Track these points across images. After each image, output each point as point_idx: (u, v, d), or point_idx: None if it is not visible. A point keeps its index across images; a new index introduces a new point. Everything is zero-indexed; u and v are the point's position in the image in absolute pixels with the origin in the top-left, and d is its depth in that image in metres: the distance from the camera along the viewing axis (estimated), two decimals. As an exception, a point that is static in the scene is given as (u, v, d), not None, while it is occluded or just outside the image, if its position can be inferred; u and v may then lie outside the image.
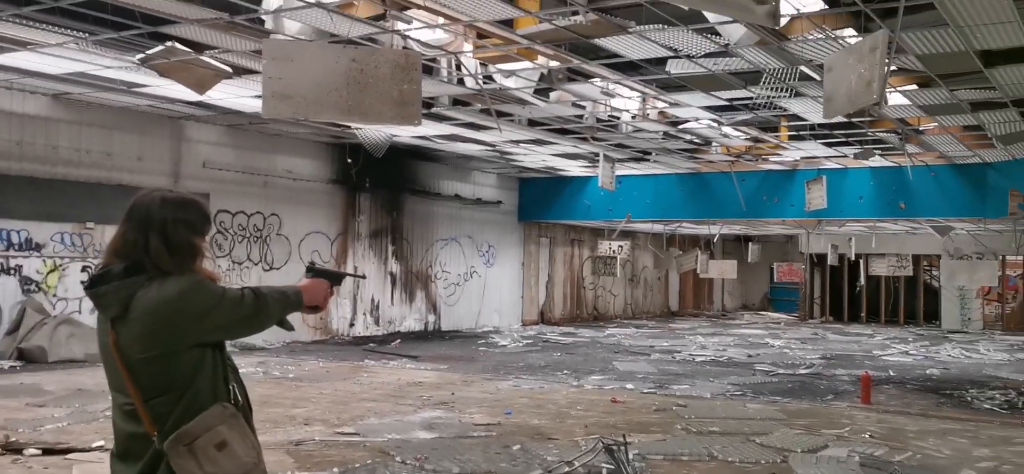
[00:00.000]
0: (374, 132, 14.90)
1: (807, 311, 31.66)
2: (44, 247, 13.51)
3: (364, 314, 19.34)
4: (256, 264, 16.83)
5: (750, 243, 29.50)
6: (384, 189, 19.47)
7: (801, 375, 14.36)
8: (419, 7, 8.73)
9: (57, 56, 10.66)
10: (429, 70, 11.07)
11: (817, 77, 10.71)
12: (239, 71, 10.59)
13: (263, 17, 8.96)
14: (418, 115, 5.95)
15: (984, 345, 21.26)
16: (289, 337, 17.19)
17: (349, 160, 18.00)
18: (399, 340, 18.55)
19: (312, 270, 3.13)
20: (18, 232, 13.19)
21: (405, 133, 15.96)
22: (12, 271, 13.14)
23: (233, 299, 2.72)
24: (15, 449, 7.34)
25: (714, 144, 17.04)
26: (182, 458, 2.55)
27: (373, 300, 19.55)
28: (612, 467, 6.75)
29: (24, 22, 9.14)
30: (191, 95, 12.14)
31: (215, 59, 9.74)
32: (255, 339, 16.32)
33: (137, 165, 14.70)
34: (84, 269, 14.02)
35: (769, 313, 33.69)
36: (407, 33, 9.57)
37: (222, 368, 2.76)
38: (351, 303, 19.00)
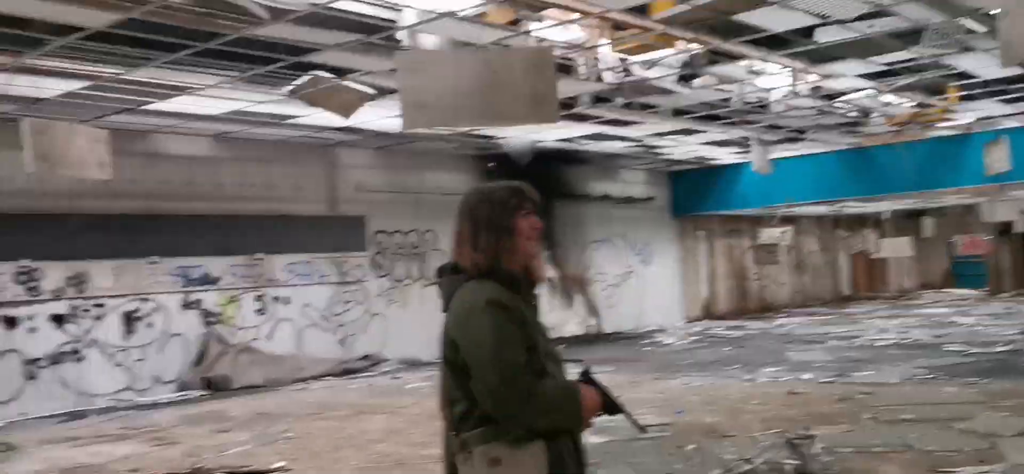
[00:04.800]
0: (518, 140, 14.86)
1: (996, 285, 29.27)
2: (220, 280, 14.25)
3: (524, 323, 19.32)
4: (416, 281, 17.14)
5: (924, 217, 27.57)
6: (533, 197, 19.38)
7: (999, 353, 13.16)
8: (551, 5, 8.55)
9: (213, 97, 11.20)
10: (566, 69, 10.88)
11: (985, 27, 9.78)
12: (381, 91, 10.76)
13: (398, 35, 9.03)
14: (555, 112, 5.74)
15: None
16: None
17: (490, 165, 18.01)
18: (563, 345, 18.41)
19: (586, 376, 2.67)
20: (196, 268, 13.97)
21: (549, 137, 15.85)
22: (193, 305, 13.92)
23: (498, 365, 2.47)
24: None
25: (875, 115, 15.95)
26: (465, 464, 2.57)
27: (532, 308, 19.52)
28: (797, 462, 6.30)
29: (178, 67, 9.62)
30: (339, 121, 12.50)
31: (357, 83, 9.92)
32: (420, 353, 16.58)
33: (296, 195, 15.28)
34: (258, 298, 14.69)
35: (953, 290, 31.38)
36: (541, 35, 9.41)
37: None
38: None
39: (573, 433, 2.63)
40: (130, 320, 13.22)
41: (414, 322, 16.94)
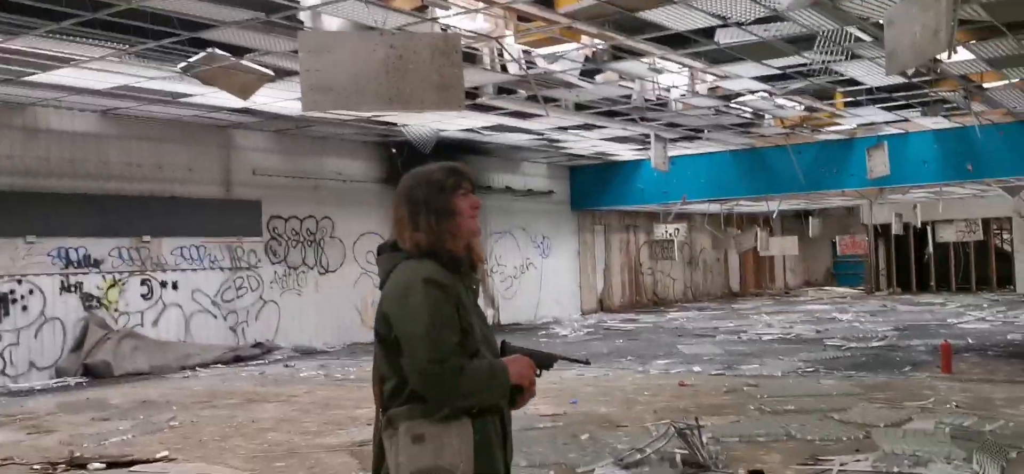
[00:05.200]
0: (420, 128, 14.74)
1: (873, 283, 30.78)
2: (102, 263, 13.63)
3: (421, 313, 19.22)
4: (312, 268, 16.82)
5: (810, 218, 28.75)
6: (434, 186, 19.29)
7: (874, 348, 13.83)
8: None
9: (100, 70, 10.69)
10: (472, 58, 10.85)
11: (872, 37, 10.24)
12: (281, 73, 10.49)
13: (301, 15, 8.82)
14: (461, 99, 5.71)
15: (1065, 306, 20.36)
16: (349, 338, 17.15)
17: (393, 150, 17.80)
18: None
19: (506, 348, 2.73)
20: (76, 250, 13.32)
21: (452, 127, 15.79)
22: (73, 288, 13.28)
23: (432, 344, 2.45)
24: (79, 464, 7.32)
25: (767, 117, 16.53)
26: (390, 441, 2.54)
27: (429, 298, 19.43)
28: (686, 452, 6.45)
29: (63, 37, 9.14)
30: (236, 102, 12.15)
31: (256, 63, 9.64)
32: (314, 341, 16.34)
33: (188, 176, 14.76)
34: (144, 282, 14.14)
35: (834, 288, 32.83)
36: (447, 22, 9.35)
37: None
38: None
39: (501, 410, 2.63)
40: (4, 302, 12.51)
41: (309, 310, 16.65)
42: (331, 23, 9.09)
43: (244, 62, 9.52)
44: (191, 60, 9.44)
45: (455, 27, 9.45)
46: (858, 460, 6.38)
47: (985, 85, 13.83)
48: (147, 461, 7.43)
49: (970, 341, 14.27)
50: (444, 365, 2.43)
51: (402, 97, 5.66)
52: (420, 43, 5.92)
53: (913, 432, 7.20)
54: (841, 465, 6.26)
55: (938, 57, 10.19)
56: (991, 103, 15.40)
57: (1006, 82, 13.50)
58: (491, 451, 2.59)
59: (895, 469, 6.09)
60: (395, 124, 14.99)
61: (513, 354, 2.69)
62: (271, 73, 9.76)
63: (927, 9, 6.55)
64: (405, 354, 2.48)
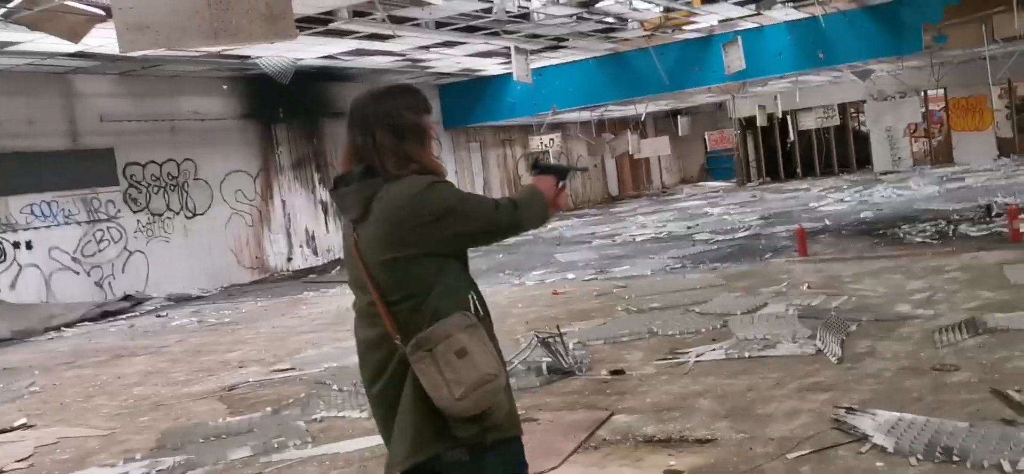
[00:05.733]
0: (276, 59, 14.23)
1: (744, 175, 31.95)
2: (-56, 230, 12.81)
3: (301, 246, 18.91)
4: (177, 213, 16.22)
5: (679, 117, 29.45)
6: (300, 117, 18.82)
7: (740, 238, 14.39)
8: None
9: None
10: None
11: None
12: (111, 12, 9.87)
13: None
14: (292, 28, 5.51)
15: (915, 181, 21.66)
16: (226, 281, 16.73)
17: (224, 87, 17.16)
18: (339, 267, 18.20)
19: (538, 167, 2.85)
20: (-88, 219, 12.46)
21: (309, 55, 15.32)
22: (-87, 261, 12.45)
23: (476, 203, 2.61)
24: (-72, 444, 6.94)
25: (628, 21, 16.69)
26: (423, 363, 2.47)
27: (308, 231, 19.11)
28: (551, 360, 6.60)
29: None
30: (72, 47, 11.42)
31: (83, 2, 9.03)
32: (189, 287, 15.87)
33: (29, 129, 13.90)
34: (-6, 247, 13.37)
35: (708, 183, 33.92)
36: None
37: (464, 278, 2.64)
38: (286, 237, 18.54)
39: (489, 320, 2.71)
40: None
41: (180, 256, 16.12)
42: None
43: (69, 2, 8.91)
44: (10, 5, 8.81)
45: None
46: (713, 349, 6.67)
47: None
48: (3, 431, 7.11)
49: (827, 222, 15.02)
50: (500, 204, 2.61)
51: (229, 30, 5.42)
52: (245, -29, 5.64)
53: (765, 317, 7.56)
54: (697, 356, 6.53)
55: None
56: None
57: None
58: (497, 346, 2.66)
59: (746, 354, 6.40)
60: (248, 57, 14.44)
61: (543, 172, 2.84)
62: (101, 12, 9.17)
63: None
64: (462, 227, 2.55)
